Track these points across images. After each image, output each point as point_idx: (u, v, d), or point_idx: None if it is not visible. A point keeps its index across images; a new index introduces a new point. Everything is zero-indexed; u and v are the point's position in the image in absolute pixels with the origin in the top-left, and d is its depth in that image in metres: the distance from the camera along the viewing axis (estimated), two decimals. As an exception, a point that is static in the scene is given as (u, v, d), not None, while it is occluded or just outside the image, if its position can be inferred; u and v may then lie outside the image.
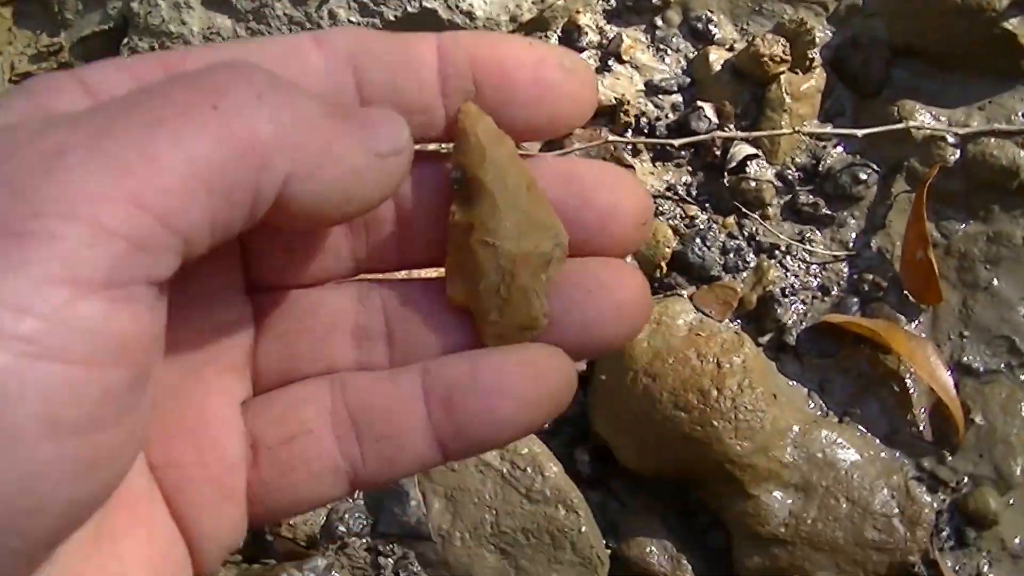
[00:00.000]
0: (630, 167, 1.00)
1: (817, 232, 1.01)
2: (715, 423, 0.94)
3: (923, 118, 0.99)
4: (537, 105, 0.32)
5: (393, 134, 0.29)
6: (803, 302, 0.99)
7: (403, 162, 0.29)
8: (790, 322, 0.98)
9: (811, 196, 1.01)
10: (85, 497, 0.24)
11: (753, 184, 1.02)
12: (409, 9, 0.97)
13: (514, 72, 0.31)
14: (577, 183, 0.33)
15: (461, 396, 0.31)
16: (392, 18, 0.97)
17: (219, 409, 0.32)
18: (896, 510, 0.93)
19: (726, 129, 1.03)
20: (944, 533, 0.93)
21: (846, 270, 1.00)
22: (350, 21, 0.98)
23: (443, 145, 0.33)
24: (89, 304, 0.23)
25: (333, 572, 0.93)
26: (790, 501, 0.93)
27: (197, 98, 0.25)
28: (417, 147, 0.31)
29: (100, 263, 0.23)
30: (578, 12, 1.02)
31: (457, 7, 0.97)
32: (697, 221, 1.03)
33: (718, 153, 1.02)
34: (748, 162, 1.02)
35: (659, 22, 1.03)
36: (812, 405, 0.96)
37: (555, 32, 1.03)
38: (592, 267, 0.33)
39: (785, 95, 1.00)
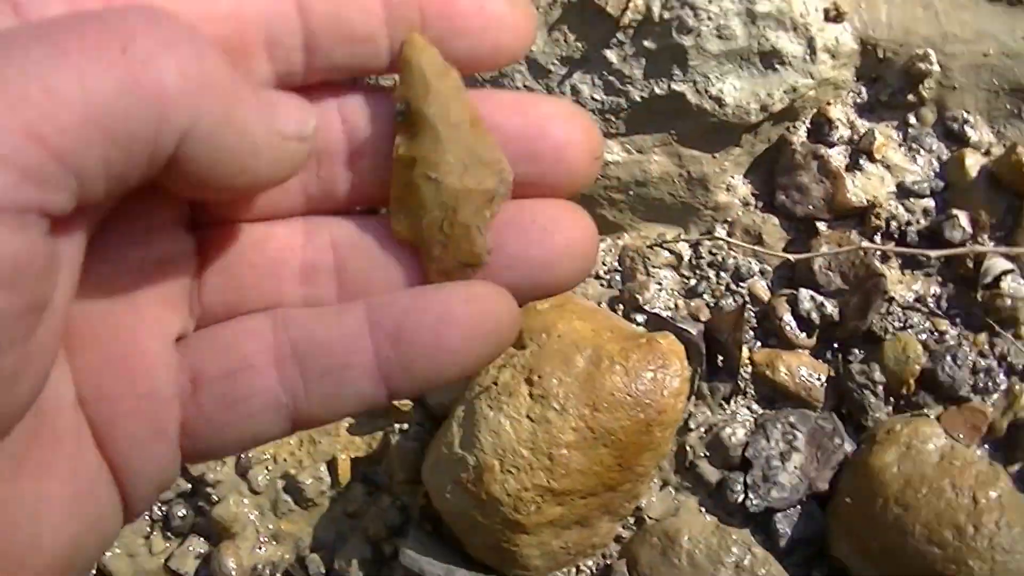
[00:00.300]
0: (881, 275, 0.92)
1: (1088, 359, 0.91)
2: (971, 562, 0.89)
3: None
4: (481, 35, 0.31)
5: (300, 118, 0.29)
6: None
7: (304, 149, 0.29)
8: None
9: (1083, 319, 0.92)
10: None
11: (1008, 301, 0.94)
12: (656, 91, 0.92)
13: (459, 2, 0.31)
14: (531, 115, 0.32)
15: (408, 330, 0.31)
16: (638, 99, 0.92)
17: (152, 343, 0.31)
18: None
19: (980, 240, 0.95)
20: None
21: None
22: (593, 98, 0.93)
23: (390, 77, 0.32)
24: None
25: None
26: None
27: (106, 38, 0.24)
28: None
29: None
30: (829, 104, 0.96)
31: (706, 92, 0.92)
32: (947, 337, 0.94)
33: (971, 265, 0.95)
34: (1003, 277, 0.95)
35: (912, 119, 0.97)
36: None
37: (804, 122, 0.96)
38: (541, 207, 0.32)
39: (1057, 208, 0.92)
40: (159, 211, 0.32)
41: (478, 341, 0.31)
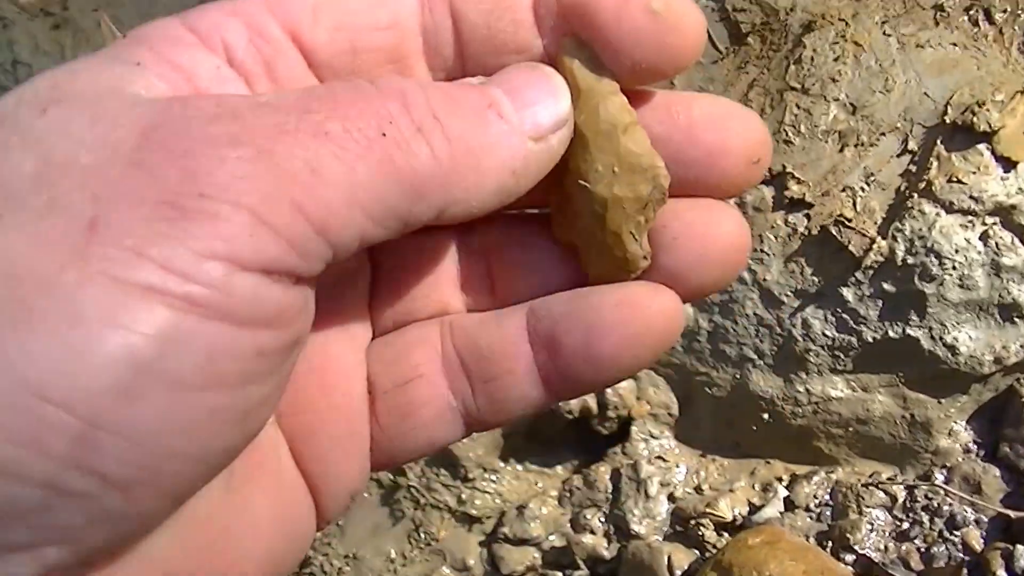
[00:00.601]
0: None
1: None
2: None
3: None
4: (619, 50, 0.29)
5: (550, 104, 0.29)
6: None
7: (567, 132, 0.29)
8: None
9: None
10: (235, 445, 0.25)
11: None
12: (891, 334, 0.91)
13: (596, 14, 0.29)
14: (682, 119, 0.31)
15: (562, 334, 0.31)
16: (870, 340, 0.92)
17: (344, 355, 0.32)
18: None
19: None
20: None
21: None
22: (824, 334, 0.93)
23: None
24: (245, 278, 0.23)
25: None
26: None
27: (366, 120, 0.25)
28: None
29: (257, 250, 0.23)
30: (1063, 356, 0.94)
31: (941, 339, 0.91)
32: None
33: None
34: None
35: None
36: None
37: (1035, 375, 0.95)
38: (695, 208, 0.31)
39: None
40: None
41: (629, 346, 0.31)
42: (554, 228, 0.33)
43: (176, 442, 0.23)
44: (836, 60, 0.93)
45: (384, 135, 0.25)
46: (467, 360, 0.32)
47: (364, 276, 0.34)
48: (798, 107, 0.93)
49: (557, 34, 0.30)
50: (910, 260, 0.90)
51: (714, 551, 0.91)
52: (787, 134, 0.92)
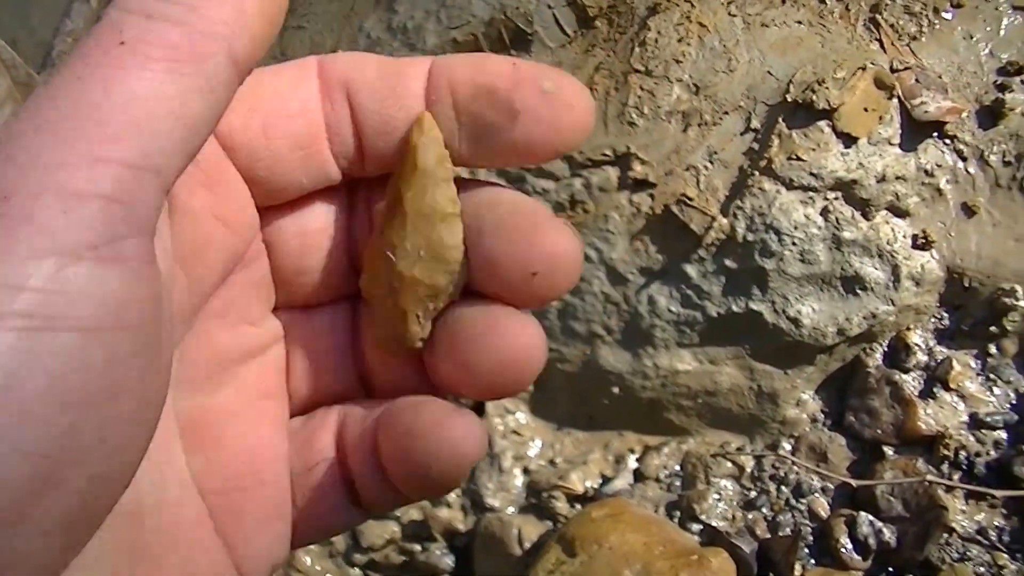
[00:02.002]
0: (943, 507, 0.93)
1: None
2: None
3: None
4: (512, 129, 0.31)
5: None
6: None
7: None
8: None
9: None
10: (106, 472, 0.24)
11: (1073, 541, 0.93)
12: (734, 309, 0.94)
13: (491, 95, 0.31)
14: (487, 219, 0.32)
15: (381, 441, 0.32)
16: (715, 315, 0.94)
17: (267, 432, 0.33)
18: None
19: (1051, 476, 0.94)
20: None
21: None
22: (670, 310, 0.95)
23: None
24: (78, 269, 0.23)
25: None
26: None
27: (105, 44, 0.25)
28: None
29: (78, 227, 0.23)
30: (909, 329, 0.96)
31: (784, 312, 0.93)
32: (1005, 572, 0.94)
33: (1038, 501, 0.94)
34: (1071, 516, 0.93)
35: (993, 350, 0.96)
36: None
37: (881, 345, 0.97)
38: (489, 313, 0.32)
39: None
40: (250, 298, 0.34)
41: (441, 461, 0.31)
42: (361, 279, 0.34)
43: (38, 480, 0.22)
44: (680, 41, 0.95)
45: (123, 43, 0.25)
46: (358, 442, 0.34)
47: (278, 349, 0.35)
48: (642, 89, 0.94)
49: (445, 118, 0.32)
50: (750, 237, 0.92)
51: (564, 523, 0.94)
52: (631, 116, 0.94)
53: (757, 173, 0.92)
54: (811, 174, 0.92)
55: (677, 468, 0.98)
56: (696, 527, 0.95)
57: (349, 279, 0.35)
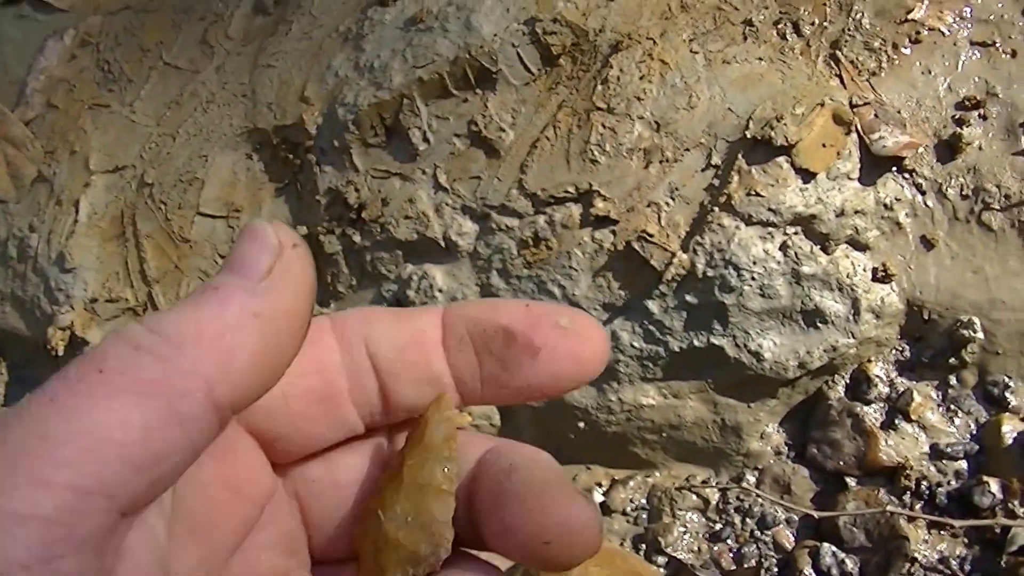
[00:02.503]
0: (904, 538, 0.94)
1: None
2: None
3: None
4: (533, 365, 0.32)
5: (260, 247, 0.30)
6: None
7: (289, 255, 0.30)
8: None
9: (1109, 612, 0.91)
10: None
11: (1034, 569, 0.94)
12: (696, 343, 0.95)
13: (509, 336, 0.32)
14: (503, 487, 0.32)
15: None
16: (677, 349, 0.95)
17: None
18: None
19: (1012, 505, 0.95)
20: None
21: None
22: (632, 345, 0.96)
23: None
24: None
25: None
26: None
27: (83, 370, 0.26)
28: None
29: (12, 546, 0.23)
30: (870, 361, 0.97)
31: (745, 347, 0.94)
32: (967, 600, 0.95)
33: (998, 531, 0.95)
34: (1031, 545, 0.94)
35: (953, 380, 0.98)
36: None
37: (843, 377, 0.98)
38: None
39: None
40: (275, 556, 0.34)
41: None
42: (356, 530, 0.35)
43: None
44: (642, 79, 0.96)
45: (101, 371, 0.26)
46: None
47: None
48: (604, 126, 0.96)
49: (464, 363, 0.33)
50: (710, 272, 0.93)
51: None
52: (593, 153, 0.95)
53: (717, 209, 0.93)
54: (770, 209, 0.93)
55: (643, 501, 0.99)
56: (662, 559, 0.96)
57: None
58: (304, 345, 0.31)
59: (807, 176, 0.94)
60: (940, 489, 0.96)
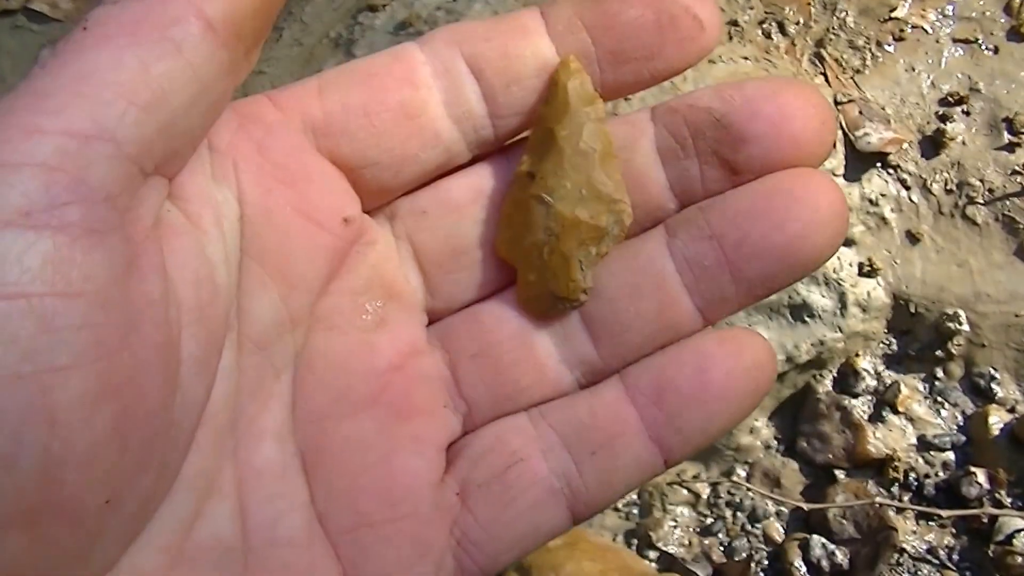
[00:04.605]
0: (893, 528, 0.95)
1: (1097, 639, 0.92)
2: None
3: None
4: (654, 40, 0.30)
5: None
6: None
7: None
8: None
9: (1094, 598, 0.93)
10: (56, 451, 0.22)
11: (1020, 559, 0.96)
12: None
13: (624, 18, 0.30)
14: (738, 98, 0.30)
15: (669, 380, 0.29)
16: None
17: (409, 460, 0.30)
18: None
19: (998, 495, 0.97)
20: None
21: None
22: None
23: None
24: (3, 236, 0.21)
25: None
26: None
27: (69, 37, 0.25)
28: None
29: (8, 194, 0.22)
30: (857, 355, 0.98)
31: (734, 342, 0.96)
32: (956, 590, 0.96)
33: (985, 521, 0.96)
34: (1017, 535, 0.96)
35: (939, 373, 0.99)
36: None
37: (831, 371, 0.99)
38: (775, 182, 0.30)
39: (1077, 485, 0.93)
40: (372, 302, 0.31)
41: (740, 381, 0.30)
42: (497, 238, 0.32)
43: (10, 451, 0.21)
44: (628, 79, 0.98)
45: (85, 29, 0.25)
46: (568, 436, 0.31)
47: (433, 362, 0.32)
48: (592, 127, 0.97)
49: (575, 50, 0.30)
50: (699, 269, 0.94)
51: (525, 552, 0.97)
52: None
53: (705, 207, 0.94)
54: (757, 207, 0.94)
55: (634, 497, 1.00)
56: (653, 554, 0.97)
57: (500, 264, 0.32)
58: (389, 61, 0.30)
59: (793, 173, 0.96)
60: (928, 480, 0.98)
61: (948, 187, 0.98)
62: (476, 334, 0.32)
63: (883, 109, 0.99)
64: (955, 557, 0.97)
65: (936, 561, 0.97)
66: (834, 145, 0.96)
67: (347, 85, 0.29)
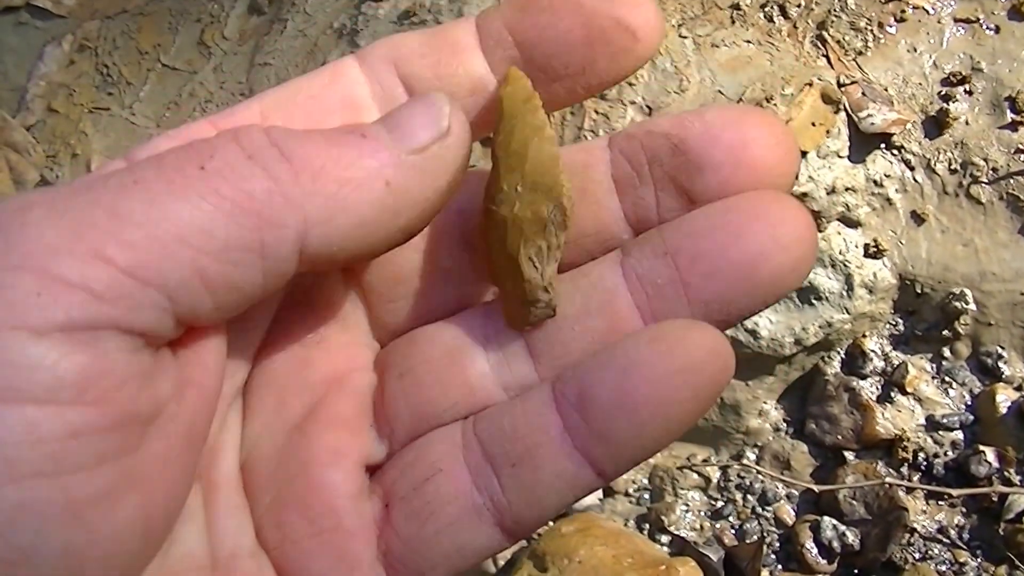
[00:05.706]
0: (903, 508, 0.95)
1: (1109, 614, 0.93)
2: None
3: None
4: (584, 55, 0.29)
5: (428, 120, 0.27)
6: None
7: (453, 142, 0.27)
8: None
9: (1106, 574, 0.93)
10: (79, 544, 0.22)
11: (1031, 536, 0.96)
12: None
13: (552, 32, 0.29)
14: (697, 125, 0.29)
15: (591, 386, 0.27)
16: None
17: (331, 474, 0.29)
18: None
19: (1008, 473, 0.97)
20: None
21: None
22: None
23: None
24: (39, 345, 0.22)
25: None
26: None
27: (183, 161, 0.24)
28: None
29: (50, 309, 0.22)
30: (864, 336, 0.99)
31: (742, 325, 0.96)
32: (966, 568, 0.96)
33: (995, 500, 0.97)
34: (1028, 512, 0.96)
35: (947, 353, 0.99)
36: None
37: (839, 353, 1.00)
38: (734, 203, 0.28)
39: (1087, 461, 0.94)
40: (316, 322, 0.31)
41: (671, 387, 0.27)
42: (487, 270, 0.32)
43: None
44: (631, 65, 0.98)
45: (203, 168, 0.24)
46: (490, 447, 0.29)
47: (360, 377, 0.32)
48: (596, 112, 0.97)
49: (506, 66, 0.30)
50: (706, 253, 0.94)
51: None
52: (586, 140, 0.97)
53: (710, 191, 0.95)
54: (762, 190, 0.94)
55: (645, 482, 1.01)
56: (665, 538, 0.97)
57: (447, 289, 0.32)
58: (328, 81, 0.29)
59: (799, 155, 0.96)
60: (937, 460, 0.98)
61: (952, 167, 0.98)
62: (408, 355, 0.31)
63: (886, 90, 0.99)
64: (965, 536, 0.97)
65: (947, 540, 0.97)
66: (837, 128, 0.96)
67: (288, 109, 0.29)
